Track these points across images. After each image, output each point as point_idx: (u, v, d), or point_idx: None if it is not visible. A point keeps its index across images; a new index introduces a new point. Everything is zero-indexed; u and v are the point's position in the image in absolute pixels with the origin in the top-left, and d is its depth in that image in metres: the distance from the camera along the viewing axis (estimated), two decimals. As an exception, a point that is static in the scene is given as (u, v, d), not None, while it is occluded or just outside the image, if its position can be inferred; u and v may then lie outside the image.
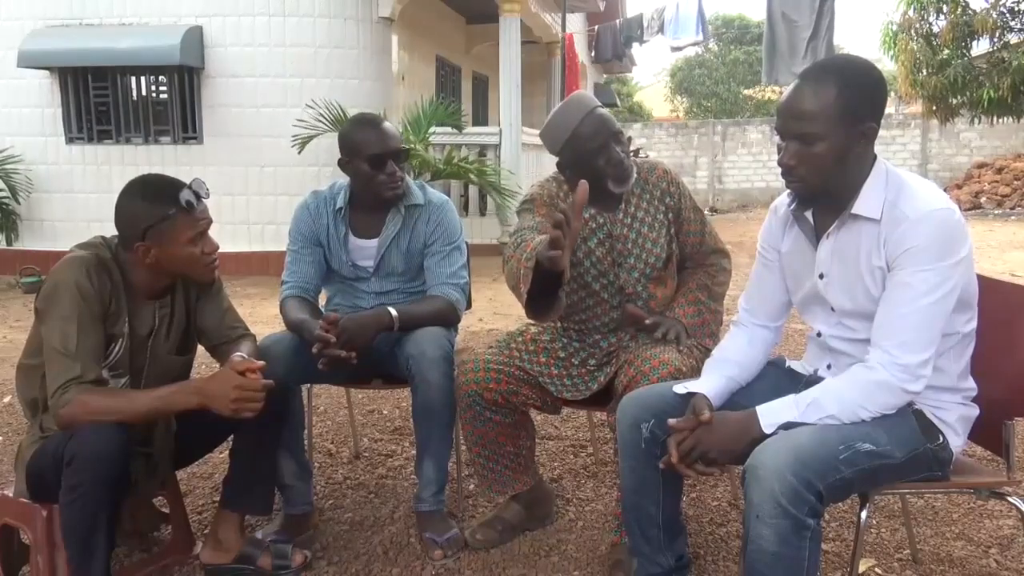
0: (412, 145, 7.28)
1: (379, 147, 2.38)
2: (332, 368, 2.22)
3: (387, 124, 2.45)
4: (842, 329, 1.73)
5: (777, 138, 1.69)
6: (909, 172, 1.68)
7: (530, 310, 1.96)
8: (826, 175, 1.63)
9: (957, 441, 1.69)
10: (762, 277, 1.92)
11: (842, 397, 1.59)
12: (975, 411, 1.73)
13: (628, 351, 2.22)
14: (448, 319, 2.42)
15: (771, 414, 1.62)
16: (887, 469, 1.58)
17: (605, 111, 2.20)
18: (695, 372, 2.07)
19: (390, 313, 2.32)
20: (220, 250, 2.02)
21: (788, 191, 1.76)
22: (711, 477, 2.71)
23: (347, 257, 2.49)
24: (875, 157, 1.66)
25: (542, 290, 1.85)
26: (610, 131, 2.16)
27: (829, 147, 1.60)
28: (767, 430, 1.60)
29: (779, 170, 1.71)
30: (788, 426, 1.59)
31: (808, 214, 1.75)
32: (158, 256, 1.92)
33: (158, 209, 1.90)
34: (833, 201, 1.67)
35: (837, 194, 1.66)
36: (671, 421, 1.69)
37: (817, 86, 1.59)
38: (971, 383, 1.72)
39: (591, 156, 2.15)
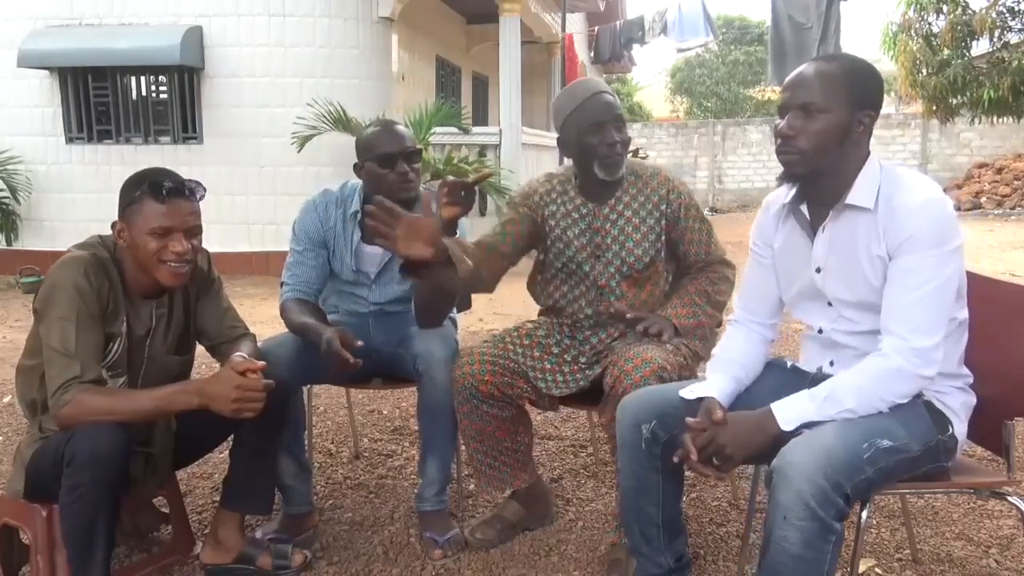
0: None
1: (389, 146, 2.35)
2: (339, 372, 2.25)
3: (400, 127, 2.45)
4: (844, 322, 1.74)
5: (779, 120, 1.69)
6: (900, 166, 1.72)
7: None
8: (822, 151, 1.64)
9: (961, 428, 1.71)
10: (756, 275, 1.93)
11: (858, 389, 1.60)
12: (974, 398, 1.75)
13: (615, 351, 2.22)
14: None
15: (787, 410, 1.62)
16: (904, 463, 1.59)
17: (615, 98, 2.24)
18: (681, 370, 2.07)
19: None
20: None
21: (778, 177, 1.76)
22: (711, 477, 2.71)
23: (352, 261, 2.47)
24: (868, 152, 1.70)
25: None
26: (613, 113, 2.19)
27: (830, 122, 1.63)
28: (785, 427, 1.60)
29: (779, 170, 1.72)
30: (808, 424, 1.59)
31: (804, 208, 1.75)
32: (129, 242, 1.92)
33: (134, 189, 1.91)
34: (825, 191, 1.70)
35: (829, 182, 1.68)
36: (688, 420, 1.69)
37: (827, 64, 1.67)
38: (967, 370, 1.75)
39: (588, 132, 2.18)
